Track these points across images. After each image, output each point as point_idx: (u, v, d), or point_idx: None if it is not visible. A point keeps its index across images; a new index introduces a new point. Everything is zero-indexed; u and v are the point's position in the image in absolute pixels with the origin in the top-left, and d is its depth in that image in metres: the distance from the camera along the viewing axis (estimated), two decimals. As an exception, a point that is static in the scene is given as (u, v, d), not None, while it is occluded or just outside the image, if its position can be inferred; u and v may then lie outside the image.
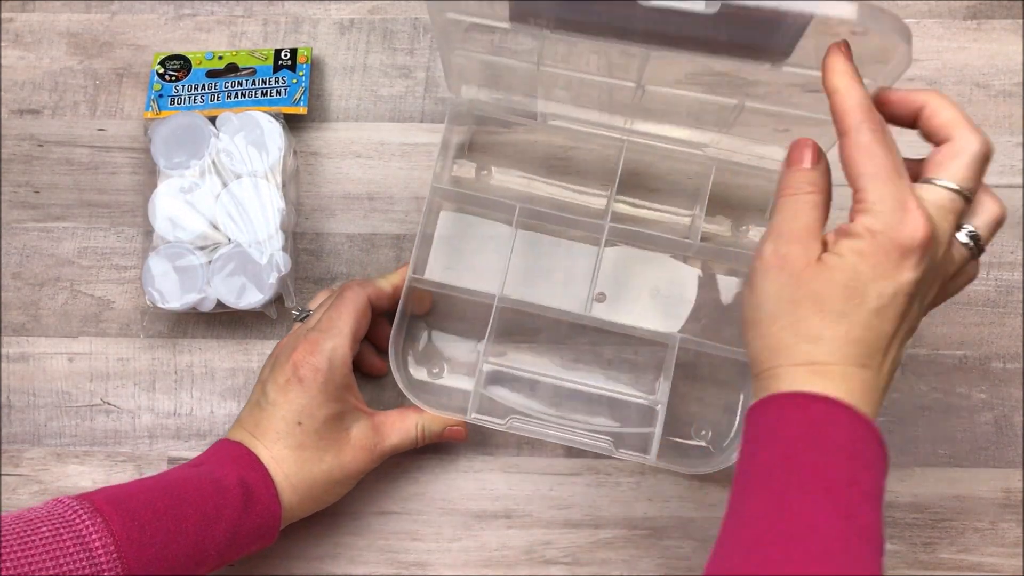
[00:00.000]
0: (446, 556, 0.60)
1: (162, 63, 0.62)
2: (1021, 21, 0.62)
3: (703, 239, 0.59)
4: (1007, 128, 0.62)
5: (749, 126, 0.61)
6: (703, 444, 0.59)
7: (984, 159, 0.41)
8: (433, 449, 0.60)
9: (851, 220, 0.40)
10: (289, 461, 0.52)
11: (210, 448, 0.54)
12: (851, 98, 0.40)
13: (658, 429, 0.57)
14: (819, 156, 0.43)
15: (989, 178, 0.61)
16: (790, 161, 0.43)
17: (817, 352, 0.39)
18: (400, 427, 0.56)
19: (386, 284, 0.57)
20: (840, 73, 0.41)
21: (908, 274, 0.39)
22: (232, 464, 0.52)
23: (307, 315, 0.58)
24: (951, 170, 0.41)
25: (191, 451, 0.61)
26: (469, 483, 0.60)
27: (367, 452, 0.54)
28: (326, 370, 0.52)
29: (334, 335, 0.53)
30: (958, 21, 0.62)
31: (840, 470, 0.38)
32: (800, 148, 0.43)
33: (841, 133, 0.40)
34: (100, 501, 0.48)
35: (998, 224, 0.43)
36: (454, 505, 0.60)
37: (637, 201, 0.62)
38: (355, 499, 0.59)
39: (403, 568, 0.60)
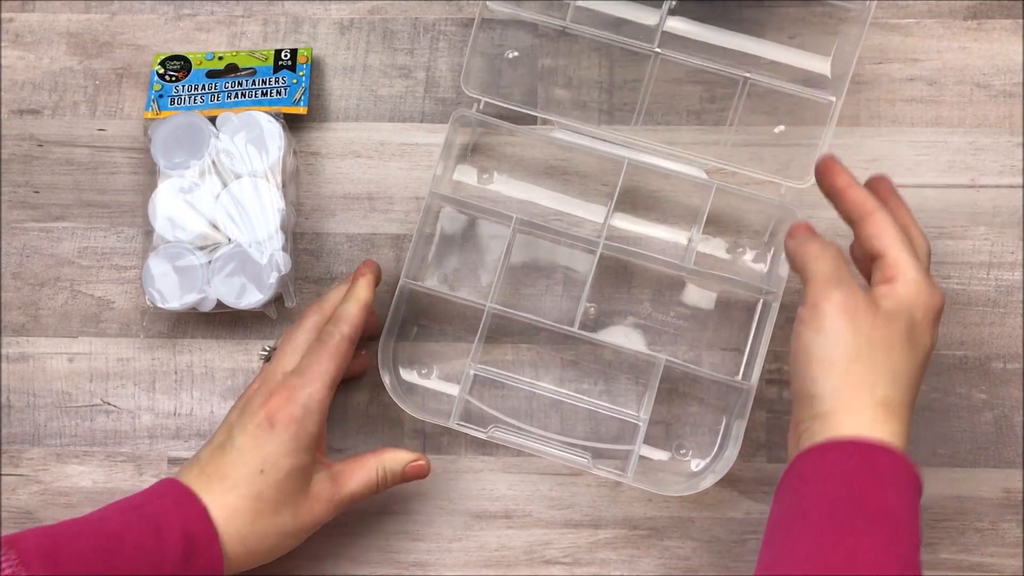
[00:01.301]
0: (446, 556, 0.60)
1: (162, 63, 0.62)
2: (1021, 21, 0.62)
3: (698, 260, 0.59)
4: (1007, 128, 0.62)
5: (748, 125, 0.61)
6: (683, 464, 0.59)
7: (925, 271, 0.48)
8: (433, 449, 0.60)
9: (886, 279, 0.47)
10: (242, 512, 0.50)
11: (156, 486, 0.51)
12: (861, 191, 0.49)
13: (637, 447, 0.57)
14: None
15: (990, 177, 0.62)
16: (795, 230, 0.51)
17: (893, 391, 0.45)
18: (359, 474, 0.53)
19: (354, 308, 0.54)
20: (841, 173, 0.50)
21: (936, 333, 0.47)
22: (176, 511, 0.49)
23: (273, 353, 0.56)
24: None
25: (191, 451, 0.61)
26: (469, 483, 0.60)
27: (324, 503, 0.52)
28: (300, 418, 0.50)
29: (312, 380, 0.51)
30: (958, 21, 0.62)
31: (902, 516, 0.43)
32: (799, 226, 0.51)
33: (863, 215, 0.48)
34: (28, 551, 0.45)
35: None
36: (454, 505, 0.60)
37: (634, 218, 0.61)
38: (355, 499, 0.59)
39: (403, 568, 0.60)
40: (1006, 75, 0.62)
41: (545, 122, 0.61)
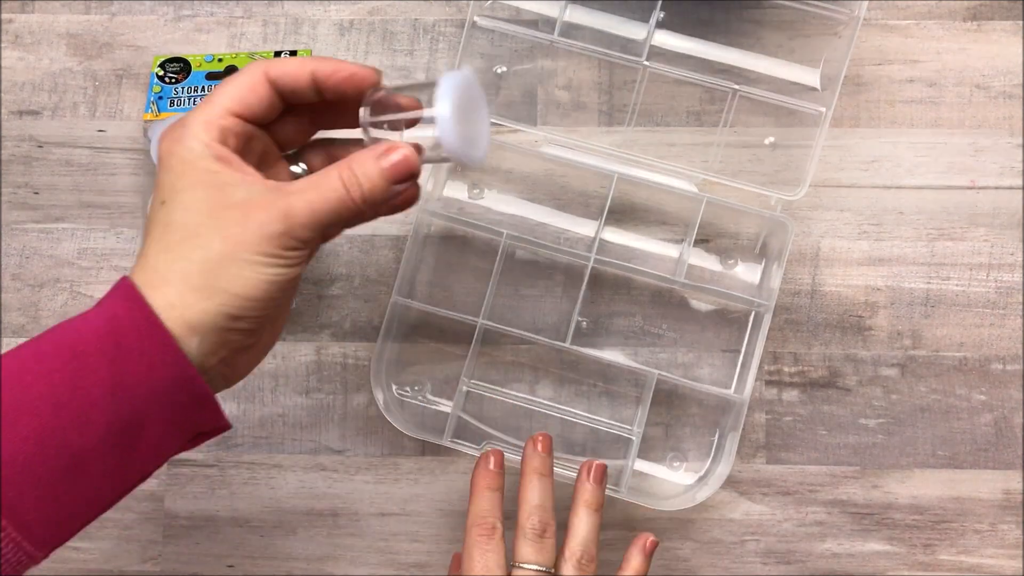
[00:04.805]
0: (446, 558, 0.60)
1: (162, 65, 0.62)
2: (1021, 22, 0.62)
3: (689, 272, 0.59)
4: (1007, 130, 0.62)
5: (739, 136, 0.61)
6: (677, 477, 0.59)
7: None
8: (432, 451, 0.60)
9: None
10: (154, 251, 0.39)
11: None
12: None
13: (631, 461, 0.57)
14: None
15: (989, 179, 0.62)
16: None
17: None
18: (314, 180, 0.40)
19: (290, 61, 0.42)
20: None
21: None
22: (95, 307, 0.39)
23: None
24: None
25: (191, 454, 0.61)
26: (468, 484, 0.60)
27: (264, 212, 0.38)
28: (184, 139, 0.39)
29: (203, 105, 0.41)
30: (958, 22, 0.62)
31: None
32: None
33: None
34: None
35: None
36: (454, 507, 0.60)
37: (625, 232, 0.61)
38: (355, 500, 0.59)
39: (403, 569, 0.60)
40: (1006, 76, 0.62)
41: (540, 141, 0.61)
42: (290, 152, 0.45)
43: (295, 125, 0.44)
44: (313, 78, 0.41)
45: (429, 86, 0.41)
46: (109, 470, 0.37)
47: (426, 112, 0.40)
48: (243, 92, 0.41)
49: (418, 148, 0.41)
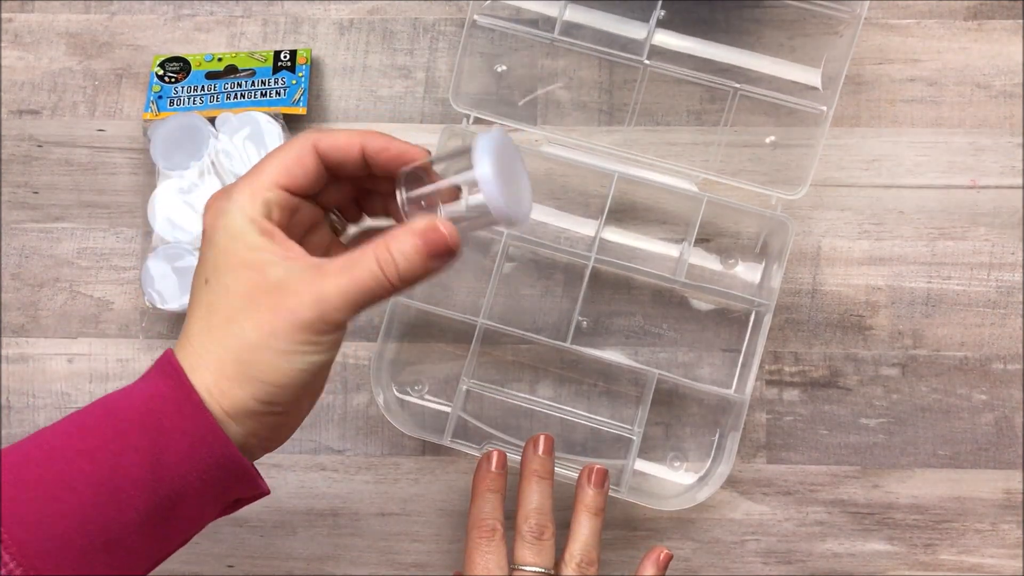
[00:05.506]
0: (445, 557, 0.60)
1: (161, 65, 0.62)
2: (1021, 21, 0.62)
3: (690, 272, 0.59)
4: (1008, 129, 0.62)
5: (739, 135, 0.61)
6: (678, 477, 0.59)
7: None
8: (433, 450, 0.60)
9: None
10: (196, 332, 0.39)
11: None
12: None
13: (631, 461, 0.57)
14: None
15: (990, 178, 0.61)
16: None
17: None
18: (350, 261, 0.39)
19: (340, 134, 0.42)
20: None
21: None
22: (140, 381, 0.40)
23: None
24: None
25: (190, 452, 0.61)
26: (468, 484, 0.60)
27: (296, 298, 0.38)
28: (228, 212, 0.40)
29: (249, 176, 0.41)
30: (959, 21, 0.62)
31: None
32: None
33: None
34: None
35: None
36: (454, 506, 0.60)
37: (626, 231, 0.61)
38: (355, 499, 0.59)
39: (402, 569, 0.60)
40: (1006, 76, 0.62)
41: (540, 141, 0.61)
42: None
43: (337, 191, 0.45)
44: (363, 153, 0.42)
45: (463, 152, 0.40)
46: (146, 543, 0.38)
47: (466, 176, 0.40)
48: (290, 164, 0.41)
49: (459, 219, 0.40)
